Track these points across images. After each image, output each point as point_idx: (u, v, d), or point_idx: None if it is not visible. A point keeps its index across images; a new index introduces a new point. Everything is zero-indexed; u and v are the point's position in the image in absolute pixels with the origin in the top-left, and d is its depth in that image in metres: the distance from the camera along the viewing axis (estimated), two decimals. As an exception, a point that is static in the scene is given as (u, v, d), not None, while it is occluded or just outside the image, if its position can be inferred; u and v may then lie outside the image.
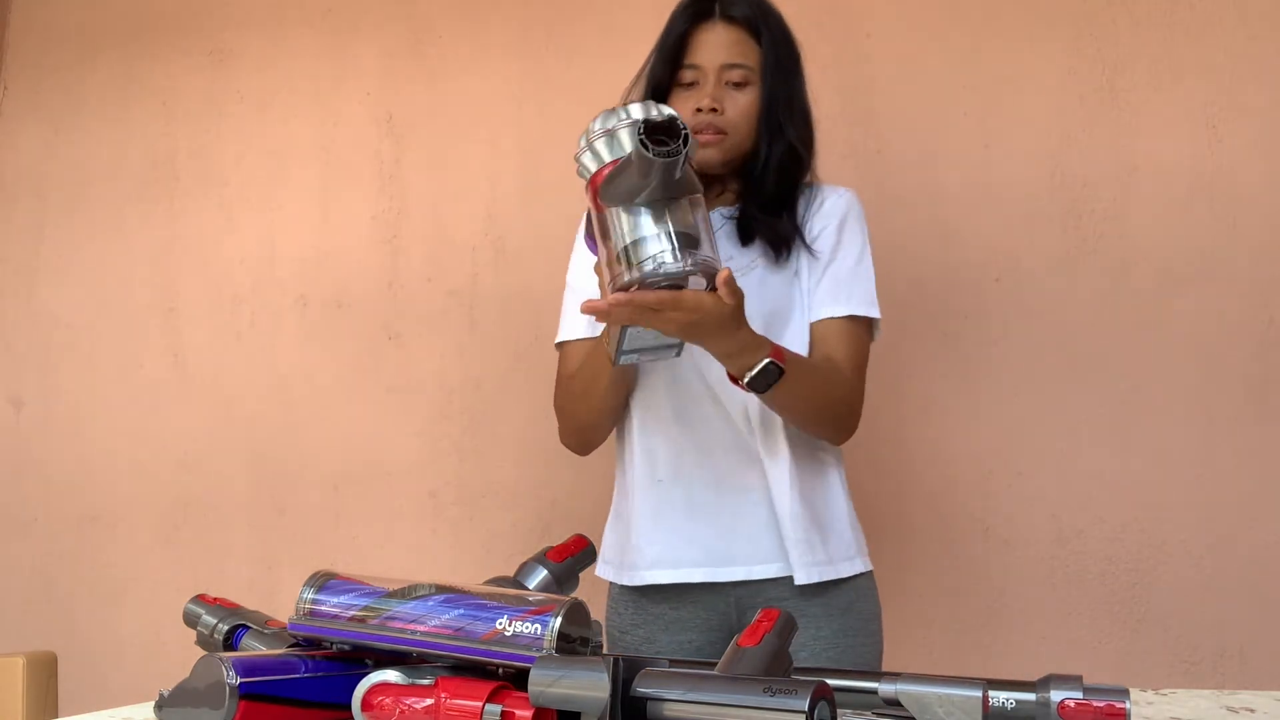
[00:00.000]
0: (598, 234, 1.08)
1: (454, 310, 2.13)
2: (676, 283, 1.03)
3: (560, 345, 1.42)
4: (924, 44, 1.92)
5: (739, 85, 1.31)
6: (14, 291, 2.41)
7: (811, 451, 1.34)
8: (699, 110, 1.30)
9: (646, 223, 1.02)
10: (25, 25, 2.47)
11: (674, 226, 1.02)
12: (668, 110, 1.05)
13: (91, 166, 2.38)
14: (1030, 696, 0.85)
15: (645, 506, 1.35)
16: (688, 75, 1.32)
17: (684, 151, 0.98)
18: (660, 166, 0.98)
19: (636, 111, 1.07)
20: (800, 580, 1.29)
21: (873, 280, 1.36)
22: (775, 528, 1.31)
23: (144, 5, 2.38)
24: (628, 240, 1.03)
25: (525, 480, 2.06)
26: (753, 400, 1.28)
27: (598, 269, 1.10)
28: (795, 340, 1.32)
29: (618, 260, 1.04)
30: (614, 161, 1.05)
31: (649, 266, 1.01)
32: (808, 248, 1.33)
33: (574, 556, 1.14)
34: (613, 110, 1.09)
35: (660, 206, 1.02)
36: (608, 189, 1.04)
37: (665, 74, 1.33)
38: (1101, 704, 0.83)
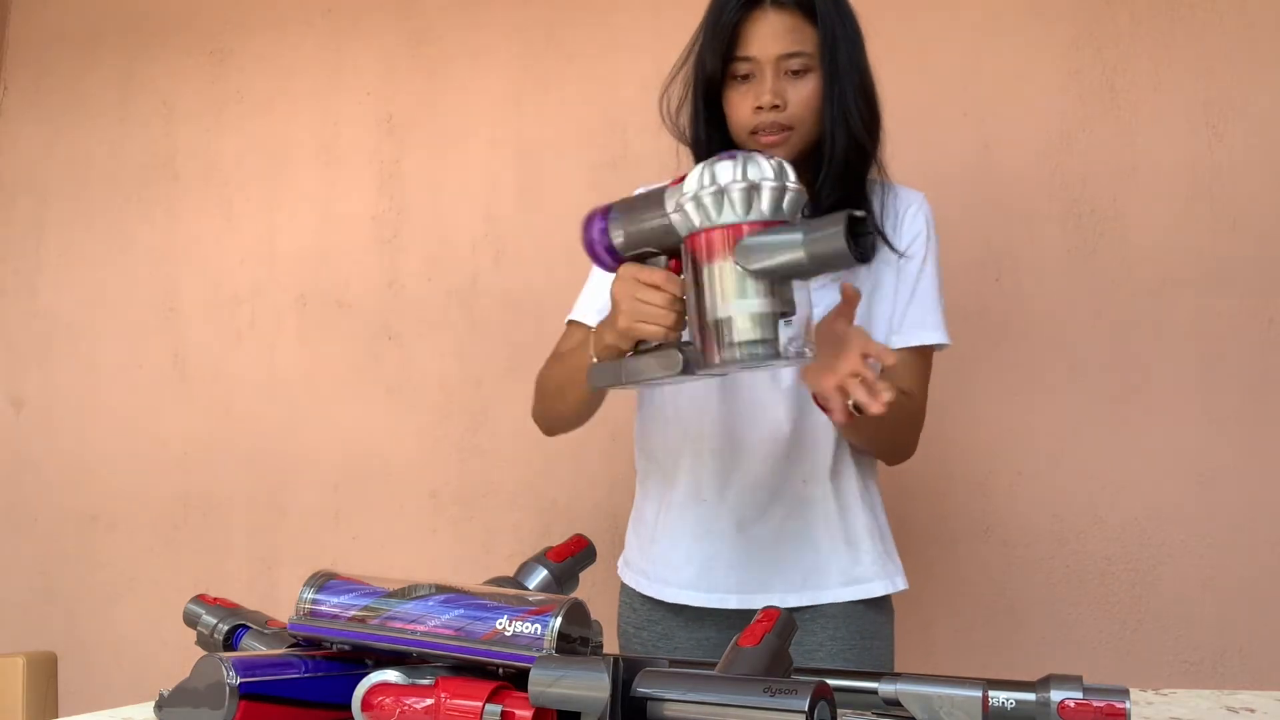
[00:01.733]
0: (690, 283, 0.97)
1: (454, 310, 2.13)
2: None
3: (570, 322, 1.36)
4: (924, 44, 1.92)
5: (798, 74, 1.21)
6: (14, 291, 2.41)
7: (858, 475, 1.32)
8: (759, 108, 1.21)
9: (764, 302, 0.93)
10: (25, 25, 2.47)
11: (782, 308, 0.93)
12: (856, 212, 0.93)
13: (91, 166, 2.38)
14: (1030, 696, 0.86)
15: (685, 525, 1.32)
16: (742, 68, 1.21)
17: (865, 262, 0.91)
18: (838, 258, 0.89)
19: (773, 173, 0.95)
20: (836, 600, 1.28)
21: (943, 301, 1.31)
22: (815, 555, 1.29)
23: (144, 5, 2.38)
24: (732, 312, 0.93)
25: (525, 480, 2.06)
26: (801, 427, 1.27)
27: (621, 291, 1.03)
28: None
29: (711, 326, 0.94)
30: (765, 223, 0.93)
31: (741, 354, 0.93)
32: (894, 250, 1.28)
33: (574, 556, 1.14)
34: (753, 159, 0.96)
35: (787, 288, 0.94)
36: (750, 251, 0.92)
37: (718, 68, 1.22)
38: (1101, 704, 0.83)
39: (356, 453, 2.16)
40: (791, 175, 0.95)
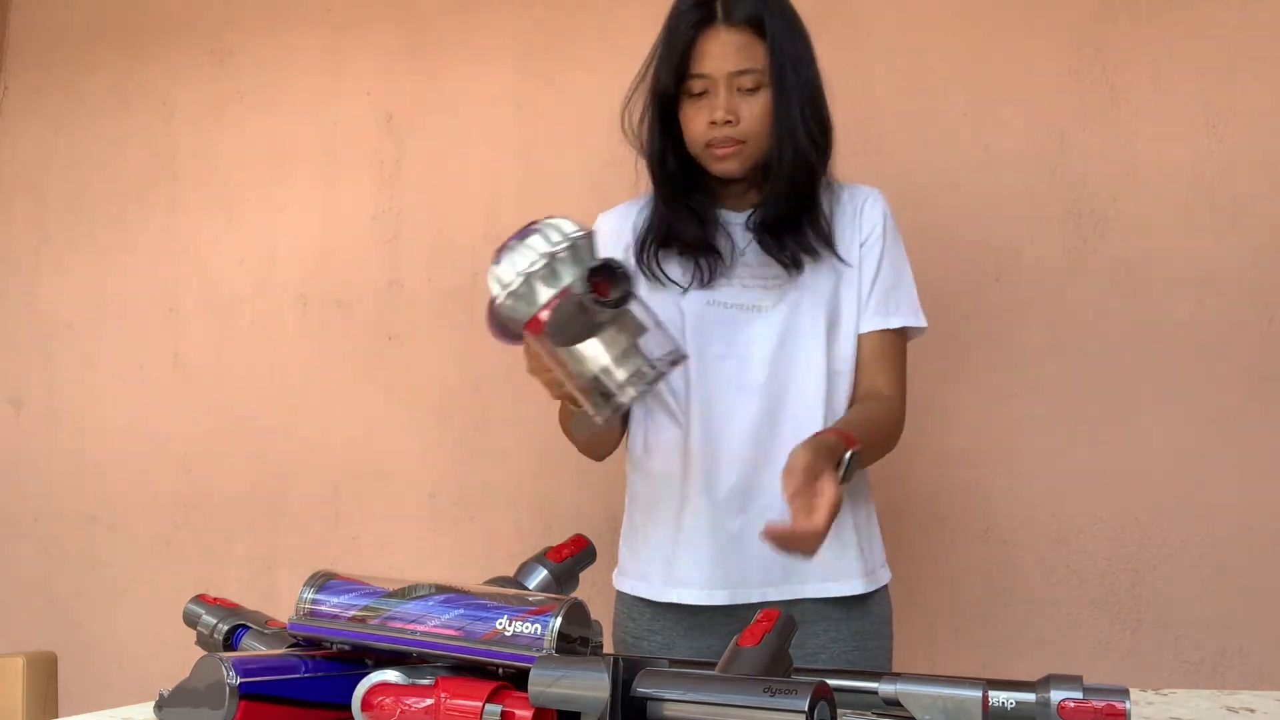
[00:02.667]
0: (550, 362, 1.04)
1: (454, 310, 2.13)
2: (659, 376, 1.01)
3: None
4: (924, 44, 1.92)
5: (751, 90, 1.27)
6: (14, 291, 2.41)
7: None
8: (713, 123, 1.26)
9: (604, 350, 0.99)
10: (25, 25, 2.47)
11: (632, 337, 1.00)
12: (603, 255, 1.00)
13: (91, 166, 2.38)
14: (1030, 697, 0.86)
15: (670, 526, 1.33)
16: (697, 85, 1.27)
17: (633, 294, 0.96)
18: (589, 312, 0.94)
19: (544, 244, 1.00)
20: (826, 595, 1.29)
21: (914, 287, 1.35)
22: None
23: (144, 5, 2.38)
24: (596, 370, 0.99)
25: (525, 480, 2.06)
26: (778, 420, 1.29)
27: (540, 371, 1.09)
28: (843, 349, 1.32)
29: (588, 391, 1.00)
30: (550, 302, 0.98)
31: (630, 392, 0.99)
32: (838, 256, 1.32)
33: (574, 557, 1.14)
34: (523, 238, 1.01)
35: (614, 327, 0.99)
36: (556, 333, 0.98)
37: (672, 84, 1.28)
38: (1101, 704, 0.83)
39: (356, 453, 2.16)
40: (570, 227, 1.01)
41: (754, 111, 1.26)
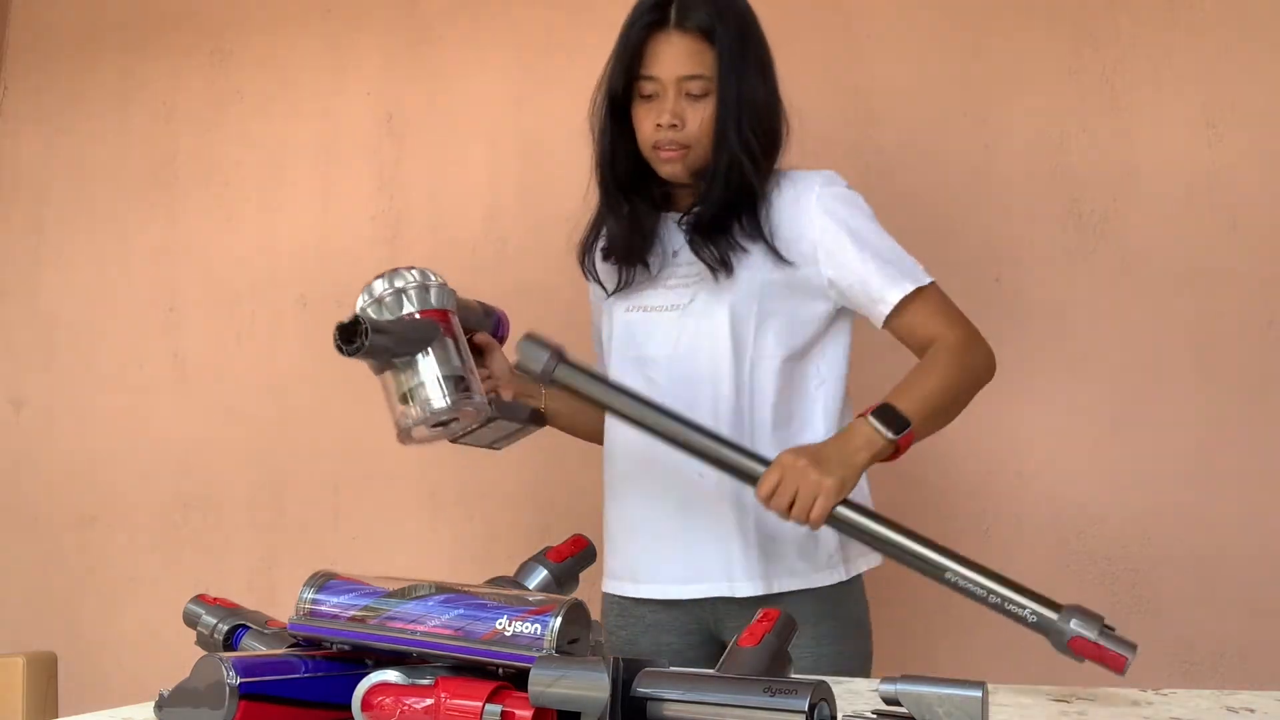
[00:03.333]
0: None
1: (454, 310, 2.13)
2: (447, 418, 1.21)
3: None
4: (924, 44, 1.92)
5: (699, 96, 1.27)
6: (14, 291, 2.41)
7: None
8: (659, 126, 1.28)
9: (406, 377, 1.20)
10: (25, 25, 2.47)
11: (439, 371, 1.18)
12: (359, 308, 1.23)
13: (91, 166, 2.38)
14: (1053, 615, 1.03)
15: (634, 522, 1.38)
16: (647, 87, 1.29)
17: (364, 346, 1.14)
18: (363, 351, 1.15)
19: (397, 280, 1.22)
20: (742, 593, 1.29)
21: (902, 250, 1.32)
22: (772, 544, 1.30)
23: (144, 5, 2.38)
24: (405, 388, 1.20)
25: (525, 480, 2.06)
26: (739, 412, 1.30)
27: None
28: (775, 341, 1.31)
29: (402, 401, 1.20)
30: (378, 330, 1.18)
31: (417, 412, 1.19)
32: (776, 253, 1.29)
33: (574, 557, 1.14)
34: (398, 273, 1.23)
35: (413, 361, 1.19)
36: (374, 355, 1.18)
37: (622, 85, 1.30)
38: (1111, 650, 1.00)
39: (356, 453, 2.16)
40: (432, 276, 1.23)
41: (700, 117, 1.28)
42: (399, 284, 1.21)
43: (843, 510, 1.16)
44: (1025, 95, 1.87)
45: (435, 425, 1.23)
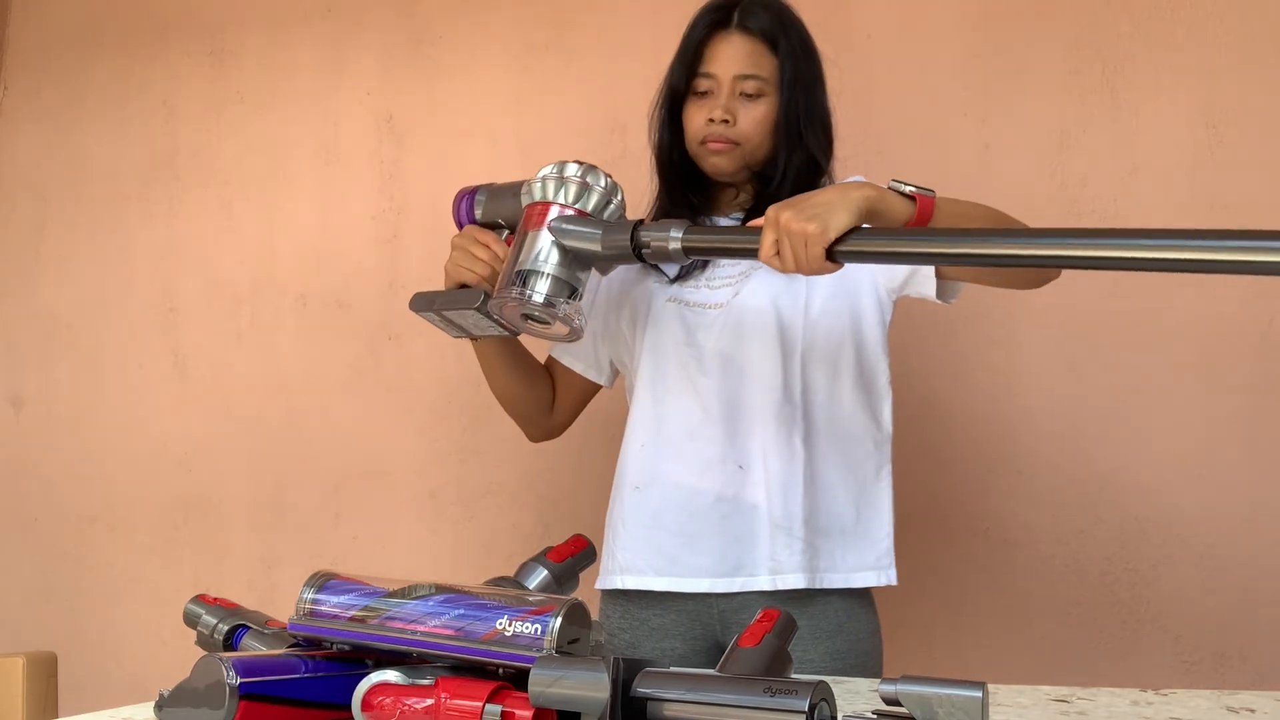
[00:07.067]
0: (516, 243, 1.18)
1: (454, 310, 2.13)
2: (545, 317, 1.17)
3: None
4: (924, 44, 1.92)
5: (753, 96, 1.32)
6: (14, 291, 2.41)
7: (805, 460, 1.31)
8: (711, 120, 1.31)
9: (562, 270, 1.16)
10: (25, 25, 2.47)
11: (572, 283, 1.16)
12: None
13: (91, 166, 2.38)
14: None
15: (630, 517, 1.37)
16: (703, 84, 1.33)
17: (603, 203, 1.16)
18: (623, 256, 1.14)
19: (605, 184, 1.18)
20: (785, 586, 1.27)
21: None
22: (751, 542, 1.30)
23: (144, 5, 2.38)
24: (536, 266, 1.15)
25: (525, 480, 2.06)
26: (735, 408, 1.31)
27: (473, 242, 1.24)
28: (871, 332, 1.35)
29: (516, 275, 1.16)
30: (584, 213, 1.17)
31: (530, 300, 1.15)
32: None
33: (574, 557, 1.14)
34: (594, 169, 1.19)
35: (584, 270, 1.17)
36: (563, 227, 1.16)
37: (681, 81, 1.35)
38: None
39: (356, 453, 2.16)
40: (619, 194, 1.19)
41: (752, 117, 1.32)
42: (591, 180, 1.18)
43: (845, 247, 1.05)
44: (1025, 95, 1.87)
45: (523, 315, 1.19)
